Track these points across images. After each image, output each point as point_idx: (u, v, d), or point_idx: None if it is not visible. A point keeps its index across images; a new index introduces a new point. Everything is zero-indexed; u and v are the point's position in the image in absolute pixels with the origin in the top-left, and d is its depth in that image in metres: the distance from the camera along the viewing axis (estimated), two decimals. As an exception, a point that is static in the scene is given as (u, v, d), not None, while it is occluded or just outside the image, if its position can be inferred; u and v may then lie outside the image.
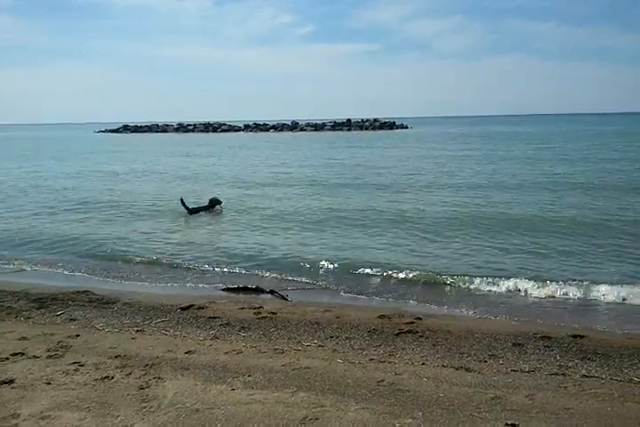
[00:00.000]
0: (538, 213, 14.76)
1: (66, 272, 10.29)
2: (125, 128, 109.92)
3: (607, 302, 7.95)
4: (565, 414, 4.42)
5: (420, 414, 4.42)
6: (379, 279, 9.30)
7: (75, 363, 5.52)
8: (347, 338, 6.49)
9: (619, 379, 5.20)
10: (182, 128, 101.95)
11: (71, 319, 7.29)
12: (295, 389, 4.89)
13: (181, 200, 16.24)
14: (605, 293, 8.18)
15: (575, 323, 7.17)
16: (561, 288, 8.42)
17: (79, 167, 32.26)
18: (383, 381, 5.07)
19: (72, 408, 4.54)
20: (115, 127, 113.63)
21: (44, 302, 8.06)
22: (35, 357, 5.69)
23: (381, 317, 7.30)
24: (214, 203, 16.46)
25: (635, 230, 12.26)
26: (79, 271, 10.31)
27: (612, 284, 8.50)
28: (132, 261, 10.90)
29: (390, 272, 9.53)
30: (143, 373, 5.27)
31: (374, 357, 5.82)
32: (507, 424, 4.23)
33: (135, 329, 6.84)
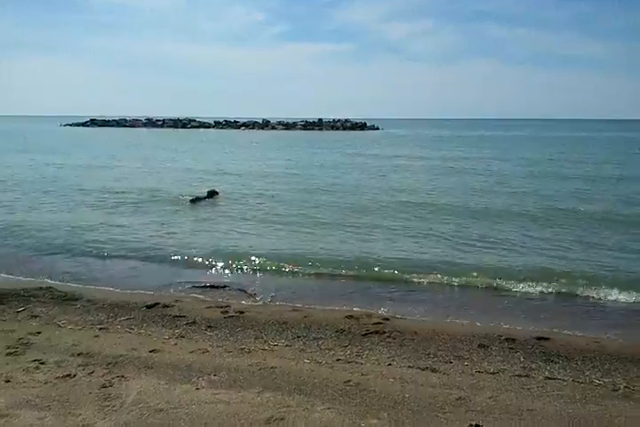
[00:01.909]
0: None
1: (28, 267, 10.05)
2: (93, 122, 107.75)
3: (572, 305, 8.09)
4: (528, 416, 4.48)
5: (385, 414, 4.44)
6: (345, 280, 9.29)
7: (35, 361, 5.40)
8: (314, 338, 6.48)
9: (580, 381, 5.29)
10: (151, 123, 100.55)
11: (33, 316, 7.12)
12: (261, 389, 4.86)
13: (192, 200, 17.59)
14: (571, 296, 8.36)
15: (540, 325, 7.27)
16: (528, 290, 8.59)
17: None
18: (350, 381, 5.07)
19: (32, 407, 4.44)
20: (82, 121, 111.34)
21: (4, 297, 7.85)
22: (-6, 354, 5.54)
23: (349, 317, 7.30)
24: (212, 194, 18.13)
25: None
26: (42, 267, 10.08)
27: (577, 286, 8.72)
28: (98, 257, 10.71)
29: (358, 273, 9.57)
30: (106, 371, 5.18)
31: (341, 357, 5.82)
32: (470, 425, 4.27)
33: (99, 327, 6.71)
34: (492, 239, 12.19)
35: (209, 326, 6.84)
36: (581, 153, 41.33)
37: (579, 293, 8.57)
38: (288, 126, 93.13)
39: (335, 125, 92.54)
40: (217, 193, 18.31)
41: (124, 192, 19.32)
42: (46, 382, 4.90)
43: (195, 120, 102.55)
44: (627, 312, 7.88)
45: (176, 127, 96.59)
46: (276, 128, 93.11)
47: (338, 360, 5.70)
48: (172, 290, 8.72)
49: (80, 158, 33.56)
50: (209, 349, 5.94)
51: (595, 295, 8.43)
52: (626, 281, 9.02)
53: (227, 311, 7.48)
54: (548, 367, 5.67)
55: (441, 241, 12.13)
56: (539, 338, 6.57)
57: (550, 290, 8.69)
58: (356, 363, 5.63)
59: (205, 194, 18.08)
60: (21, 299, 7.84)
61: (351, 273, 9.62)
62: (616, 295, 8.35)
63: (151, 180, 23.18)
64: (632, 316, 7.74)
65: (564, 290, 8.68)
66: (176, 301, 7.95)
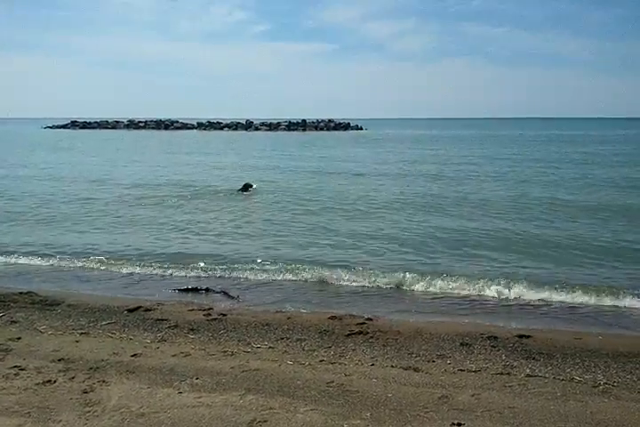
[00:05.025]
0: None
1: (9, 272, 9.93)
2: (74, 124, 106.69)
3: (552, 303, 8.16)
4: (510, 413, 4.51)
5: (368, 414, 4.44)
6: (329, 281, 9.28)
7: (15, 367, 5.33)
8: (297, 339, 6.47)
9: (561, 378, 5.33)
10: (133, 125, 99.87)
11: (12, 321, 7.03)
12: (244, 391, 4.85)
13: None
14: (550, 293, 8.42)
15: (521, 323, 7.32)
16: (509, 290, 8.62)
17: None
18: (333, 382, 5.07)
19: (10, 414, 4.38)
20: (64, 123, 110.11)
21: (-17, 303, 7.76)
22: (-28, 361, 5.47)
23: (332, 318, 7.30)
24: (247, 186, 19.49)
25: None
26: (23, 271, 9.96)
27: (555, 284, 8.77)
28: (78, 261, 10.60)
29: (342, 274, 9.56)
30: (87, 376, 5.13)
31: (324, 358, 5.82)
32: (453, 424, 4.28)
33: (79, 331, 6.65)
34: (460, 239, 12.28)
35: (191, 329, 6.80)
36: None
37: (560, 292, 8.62)
38: (271, 127, 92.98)
39: (319, 126, 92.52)
40: (252, 185, 19.53)
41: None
42: (26, 389, 4.84)
43: (177, 121, 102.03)
44: (604, 310, 7.95)
45: (159, 129, 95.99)
46: (259, 129, 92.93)
47: (321, 361, 5.69)
48: (153, 293, 8.66)
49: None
50: (191, 352, 5.91)
51: (574, 294, 8.49)
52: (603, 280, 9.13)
53: (209, 314, 7.44)
54: (530, 365, 5.70)
55: (426, 245, 12.19)
56: (520, 336, 6.61)
57: (531, 289, 8.73)
58: (340, 364, 5.63)
59: (240, 187, 19.43)
60: (1, 304, 7.74)
61: (334, 274, 9.60)
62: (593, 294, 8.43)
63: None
64: (609, 313, 7.81)
65: (545, 290, 8.71)
66: (158, 304, 7.90)
